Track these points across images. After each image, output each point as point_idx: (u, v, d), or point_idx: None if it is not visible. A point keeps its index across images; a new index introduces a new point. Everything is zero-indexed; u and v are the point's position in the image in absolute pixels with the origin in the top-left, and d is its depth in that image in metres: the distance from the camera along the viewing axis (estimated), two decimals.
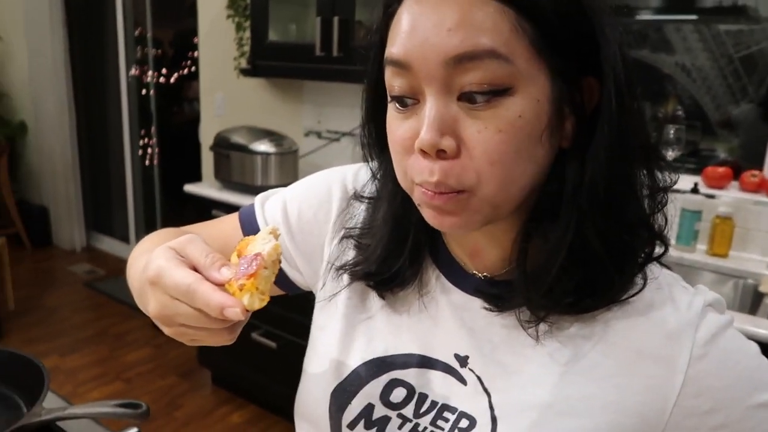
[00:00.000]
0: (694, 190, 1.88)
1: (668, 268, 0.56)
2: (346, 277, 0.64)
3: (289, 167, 2.46)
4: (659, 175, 0.52)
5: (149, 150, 4.11)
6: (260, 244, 0.48)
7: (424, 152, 0.48)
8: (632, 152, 0.49)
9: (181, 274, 0.46)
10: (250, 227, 0.70)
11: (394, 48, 0.48)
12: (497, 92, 0.46)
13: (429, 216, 0.51)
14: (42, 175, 4.48)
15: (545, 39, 0.46)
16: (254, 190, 2.41)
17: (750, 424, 0.52)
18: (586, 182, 0.48)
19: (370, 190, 0.64)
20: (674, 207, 0.54)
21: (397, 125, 0.51)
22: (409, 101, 0.49)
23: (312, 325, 0.68)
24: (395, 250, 0.59)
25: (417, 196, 0.51)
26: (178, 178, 2.88)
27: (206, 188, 2.51)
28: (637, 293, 0.52)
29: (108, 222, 4.53)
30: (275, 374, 2.40)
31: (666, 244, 0.54)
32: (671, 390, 0.51)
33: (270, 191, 0.74)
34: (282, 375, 2.33)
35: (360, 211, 0.65)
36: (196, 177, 3.26)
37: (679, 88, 2.29)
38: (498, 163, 0.46)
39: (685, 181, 1.95)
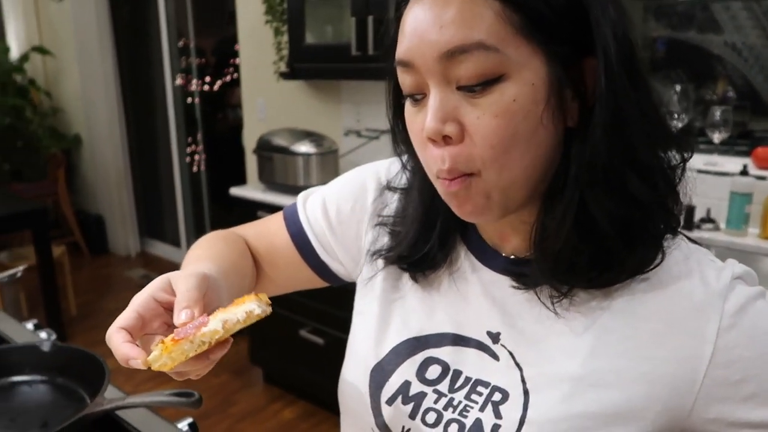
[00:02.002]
0: (744, 173, 1.83)
1: (697, 243, 0.57)
2: (380, 262, 0.67)
3: (329, 167, 2.50)
4: (673, 152, 0.53)
5: (196, 156, 4.24)
6: (244, 307, 0.49)
7: (433, 141, 0.51)
8: (633, 131, 0.50)
9: (111, 327, 0.51)
10: (293, 225, 0.75)
11: (400, 49, 0.53)
12: (490, 81, 0.49)
13: (453, 207, 0.55)
14: (97, 185, 4.68)
15: (534, 25, 0.48)
16: (297, 191, 2.44)
17: None
18: (586, 161, 0.50)
19: (401, 181, 0.67)
20: (693, 182, 0.54)
21: (412, 120, 0.54)
22: (419, 96, 0.53)
23: (353, 311, 0.72)
24: (425, 235, 0.62)
25: (439, 188, 0.55)
26: (224, 182, 2.97)
27: (251, 191, 2.58)
28: (655, 267, 0.53)
29: (160, 227, 4.69)
30: (323, 370, 2.44)
31: (677, 221, 0.55)
32: (701, 361, 0.52)
33: (311, 189, 0.77)
34: (330, 371, 2.36)
35: (393, 200, 0.69)
36: (241, 180, 3.35)
37: (730, 69, 2.23)
38: (497, 147, 0.49)
39: (735, 164, 1.90)
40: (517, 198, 0.53)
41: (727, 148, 2.06)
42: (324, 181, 2.69)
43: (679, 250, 0.55)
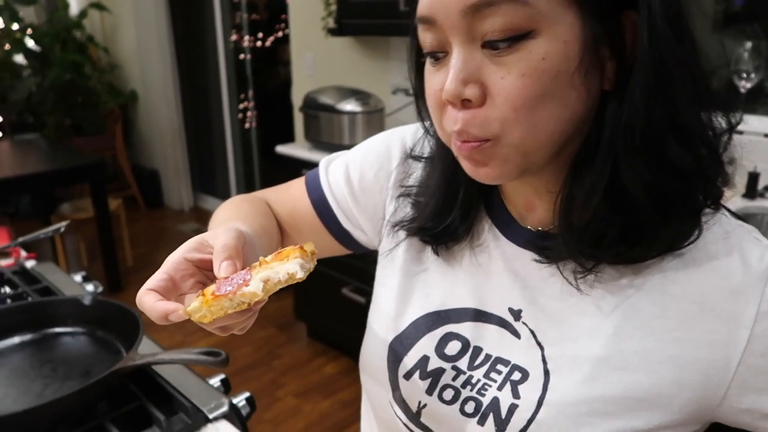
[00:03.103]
0: None
1: (741, 218, 0.52)
2: (402, 233, 0.65)
3: (375, 125, 2.47)
4: (719, 116, 0.48)
5: (248, 113, 4.28)
6: (287, 267, 0.47)
7: (451, 103, 0.48)
8: (677, 92, 0.45)
9: (141, 291, 0.50)
10: (315, 191, 0.73)
11: (421, 4, 0.49)
12: (518, 37, 0.44)
13: (466, 167, 0.51)
14: (152, 141, 4.80)
15: None
16: (342, 149, 2.44)
17: None
18: (622, 125, 0.46)
19: (426, 148, 0.64)
20: (739, 149, 0.49)
21: (431, 79, 0.51)
22: (440, 55, 0.49)
23: (375, 281, 0.70)
24: (447, 206, 0.59)
25: (454, 148, 0.51)
26: (274, 139, 2.98)
27: (297, 149, 2.58)
28: (691, 242, 0.49)
29: (212, 183, 4.79)
30: (365, 328, 2.47)
31: (719, 192, 0.50)
32: (736, 347, 0.48)
33: (334, 154, 0.75)
34: None
35: (417, 168, 0.66)
36: (290, 137, 3.36)
37: None
38: (522, 109, 0.45)
39: None
40: (538, 161, 0.49)
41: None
42: None
43: (719, 226, 0.51)
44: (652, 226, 0.48)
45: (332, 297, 2.50)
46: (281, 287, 0.47)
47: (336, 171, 0.72)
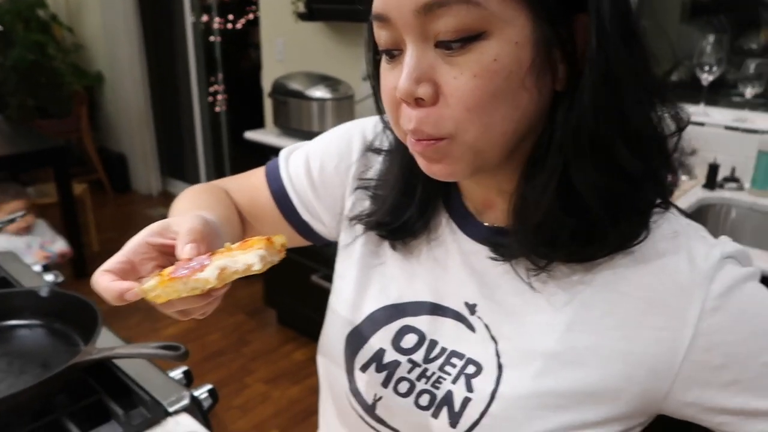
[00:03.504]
0: None
1: (689, 216, 0.54)
2: (359, 227, 0.65)
3: (345, 113, 2.46)
4: (667, 119, 0.49)
5: (218, 96, 4.21)
6: (247, 258, 0.47)
7: (405, 101, 0.48)
8: (625, 95, 0.46)
9: (96, 272, 0.50)
10: (274, 182, 0.72)
11: (375, 2, 0.49)
12: (470, 38, 0.45)
13: (421, 164, 0.52)
14: (119, 124, 4.70)
15: None
16: (311, 136, 2.39)
17: (765, 381, 0.49)
18: (571, 128, 0.47)
19: (386, 142, 0.64)
20: (700, 141, 0.51)
21: (386, 77, 0.51)
22: (395, 52, 0.50)
23: (334, 273, 0.70)
24: (405, 201, 0.60)
25: (409, 145, 0.52)
26: (244, 123, 2.94)
27: (266, 135, 2.56)
28: (640, 242, 0.50)
29: (181, 167, 4.72)
30: None
31: (669, 191, 0.52)
32: (681, 343, 0.49)
33: (295, 145, 0.75)
34: None
35: (377, 162, 0.66)
36: (261, 122, 3.32)
37: None
38: (474, 109, 0.46)
39: (766, 121, 1.80)
40: (491, 160, 0.50)
41: (760, 102, 1.96)
42: None
43: (668, 224, 0.52)
44: (602, 226, 0.49)
45: (302, 284, 2.50)
46: (238, 277, 0.47)
47: (296, 162, 0.72)
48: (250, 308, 2.99)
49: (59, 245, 2.45)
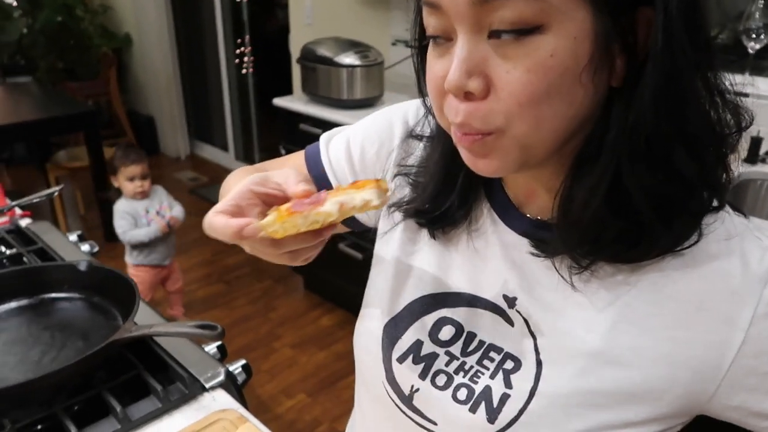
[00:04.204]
0: None
1: (744, 215, 0.51)
2: (398, 215, 0.64)
3: (374, 79, 2.42)
4: (727, 119, 0.47)
5: (245, 58, 4.18)
6: (363, 194, 0.48)
7: (453, 93, 0.46)
8: (688, 99, 0.44)
9: (208, 215, 0.51)
10: (314, 166, 0.72)
11: None
12: (527, 30, 0.43)
13: (465, 157, 0.50)
14: (147, 86, 4.71)
15: None
16: (340, 104, 2.41)
17: None
18: (628, 127, 0.44)
19: (427, 128, 0.62)
20: (750, 114, 0.48)
21: (433, 64, 0.49)
22: (445, 41, 0.47)
23: (372, 260, 0.70)
24: (446, 189, 0.59)
25: (454, 138, 0.50)
26: (271, 88, 2.92)
27: (294, 102, 2.54)
28: (690, 246, 0.48)
29: (208, 131, 4.74)
30: (361, 282, 2.47)
31: (723, 194, 0.49)
32: (730, 347, 0.48)
33: (335, 129, 0.74)
34: (366, 283, 2.42)
35: (418, 148, 0.64)
36: (288, 86, 3.29)
37: None
38: (527, 105, 0.44)
39: None
40: (538, 157, 0.48)
41: None
42: (369, 95, 2.59)
43: (722, 225, 0.50)
44: (650, 229, 0.47)
45: (329, 251, 2.48)
46: (355, 213, 0.48)
47: (337, 147, 0.71)
48: (277, 274, 3.03)
49: (176, 211, 2.50)
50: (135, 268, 2.49)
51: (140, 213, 2.45)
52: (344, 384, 2.33)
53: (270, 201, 0.52)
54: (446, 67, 0.46)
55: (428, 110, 0.61)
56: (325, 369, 2.41)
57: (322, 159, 0.71)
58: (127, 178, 2.39)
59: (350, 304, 2.69)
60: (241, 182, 0.53)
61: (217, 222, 0.50)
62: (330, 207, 0.46)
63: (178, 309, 2.68)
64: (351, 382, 2.34)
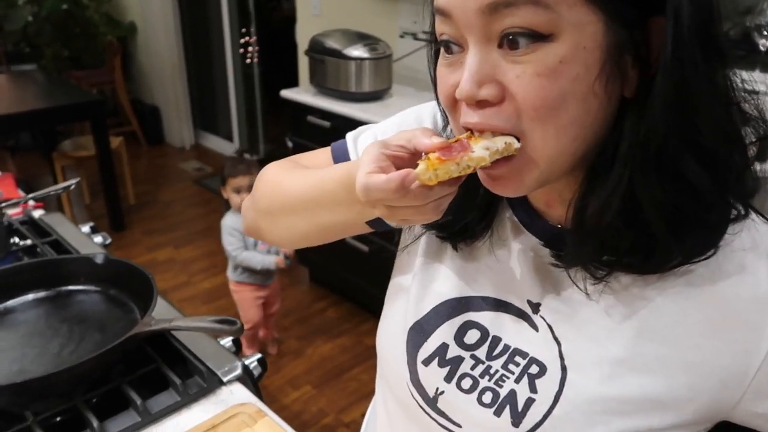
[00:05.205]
0: None
1: None
2: (419, 228, 0.65)
3: (383, 72, 2.41)
4: (745, 128, 0.46)
5: (249, 48, 4.17)
6: (501, 140, 0.47)
7: (466, 103, 0.47)
8: (699, 109, 0.44)
9: (362, 178, 0.48)
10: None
11: None
12: (536, 37, 0.43)
13: (482, 179, 0.51)
14: (152, 75, 4.70)
15: None
16: (348, 97, 2.41)
17: None
18: (640, 138, 0.44)
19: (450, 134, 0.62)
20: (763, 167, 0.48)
21: (444, 74, 0.49)
22: (456, 48, 0.48)
23: (396, 260, 0.70)
24: (466, 204, 0.58)
25: None
26: (277, 78, 2.90)
27: (302, 93, 2.53)
28: (708, 258, 0.48)
29: (213, 121, 4.73)
30: (367, 275, 2.51)
31: (746, 206, 0.49)
32: (755, 356, 0.48)
33: (362, 128, 0.73)
34: (373, 276, 2.43)
35: None
36: (294, 78, 3.29)
37: None
38: (542, 108, 0.44)
39: None
40: (560, 170, 0.48)
41: None
42: (377, 88, 2.58)
43: (747, 234, 0.50)
44: (664, 241, 0.47)
45: (335, 243, 2.49)
46: (499, 157, 0.47)
47: (365, 143, 0.70)
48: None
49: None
50: (237, 285, 2.33)
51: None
52: (349, 376, 2.34)
53: (398, 163, 0.50)
54: (458, 76, 0.47)
55: (448, 121, 0.60)
56: (331, 361, 2.43)
57: (351, 156, 0.70)
58: (234, 190, 2.20)
59: (356, 296, 2.70)
60: (364, 151, 0.51)
61: (375, 181, 0.47)
62: (481, 152, 0.46)
63: (269, 333, 2.48)
64: (356, 374, 2.37)
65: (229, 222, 2.25)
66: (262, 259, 2.23)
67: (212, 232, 3.41)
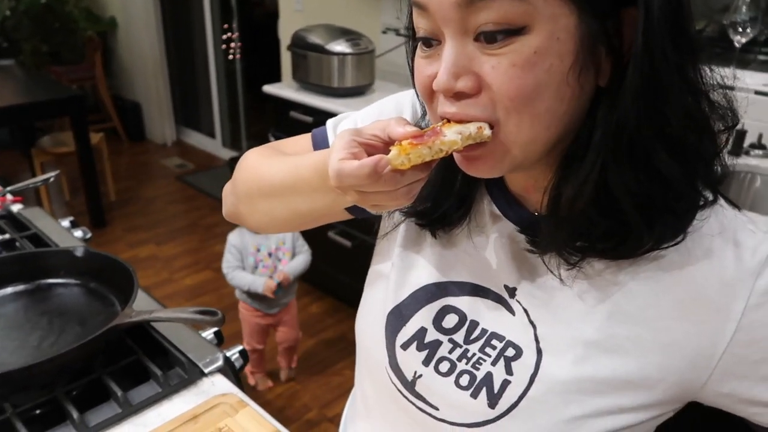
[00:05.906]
0: None
1: (737, 208, 0.53)
2: (398, 216, 0.65)
3: (365, 68, 2.42)
4: (713, 118, 0.48)
5: (232, 44, 4.15)
6: (473, 125, 0.48)
7: (444, 94, 0.48)
8: (669, 99, 0.45)
9: (335, 164, 0.48)
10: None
11: None
12: (511, 31, 0.44)
13: (458, 160, 0.52)
14: (134, 71, 4.66)
15: None
16: (331, 92, 2.41)
17: None
18: (612, 127, 0.46)
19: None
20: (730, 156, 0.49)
21: (421, 67, 0.51)
22: (434, 42, 0.49)
23: (375, 247, 0.71)
24: (444, 192, 0.60)
25: None
26: (259, 74, 2.89)
27: (284, 89, 2.53)
28: (677, 243, 0.50)
29: (195, 117, 4.70)
30: (349, 270, 2.51)
31: (716, 188, 0.51)
32: (722, 337, 0.50)
33: (342, 115, 0.74)
34: (355, 271, 2.42)
35: None
36: (277, 74, 3.28)
37: None
38: (517, 98, 0.45)
39: None
40: (534, 155, 0.49)
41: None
42: (360, 83, 2.58)
43: (716, 218, 0.51)
44: (636, 228, 0.48)
45: (318, 239, 2.52)
46: (471, 142, 0.48)
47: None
48: None
49: (294, 263, 2.16)
50: (241, 304, 2.21)
51: (248, 249, 2.12)
52: (333, 371, 2.34)
53: (369, 150, 0.50)
54: (435, 68, 0.48)
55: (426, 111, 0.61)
56: (315, 356, 2.43)
57: (330, 143, 0.71)
58: None
59: (339, 291, 2.71)
60: (337, 137, 0.51)
61: (348, 167, 0.47)
62: (453, 136, 0.47)
63: (282, 361, 2.31)
64: (340, 369, 2.37)
65: (231, 238, 2.14)
66: (252, 280, 2.09)
67: (194, 228, 3.40)
